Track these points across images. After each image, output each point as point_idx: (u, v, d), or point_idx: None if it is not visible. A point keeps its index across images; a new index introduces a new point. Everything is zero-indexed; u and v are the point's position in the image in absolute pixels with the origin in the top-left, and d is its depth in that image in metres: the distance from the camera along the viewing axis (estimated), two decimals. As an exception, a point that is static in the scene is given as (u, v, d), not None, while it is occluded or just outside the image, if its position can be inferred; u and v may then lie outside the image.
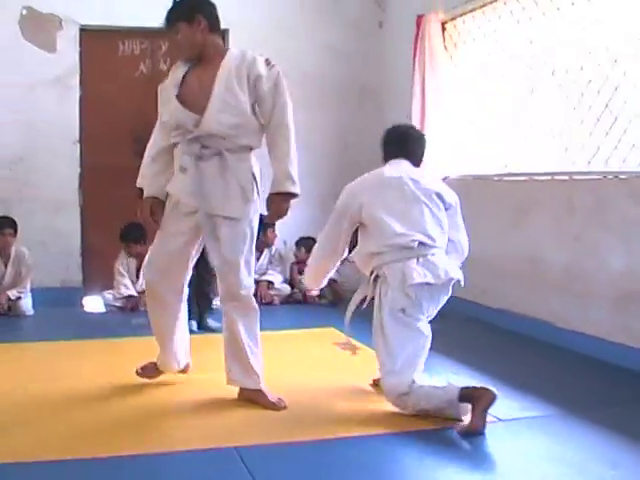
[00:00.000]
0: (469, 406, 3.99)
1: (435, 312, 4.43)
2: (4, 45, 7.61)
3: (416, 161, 4.79)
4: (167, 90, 4.46)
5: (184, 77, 4.43)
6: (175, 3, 4.46)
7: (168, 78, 4.53)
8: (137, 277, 7.48)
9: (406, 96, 7.53)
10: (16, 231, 7.35)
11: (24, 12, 7.77)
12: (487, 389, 3.96)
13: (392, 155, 4.86)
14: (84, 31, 7.88)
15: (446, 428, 3.99)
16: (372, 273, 4.46)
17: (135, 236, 7.36)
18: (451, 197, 4.58)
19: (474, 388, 4.01)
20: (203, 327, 6.55)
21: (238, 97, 4.29)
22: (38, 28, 7.79)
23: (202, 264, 6.39)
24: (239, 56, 4.46)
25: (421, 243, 4.30)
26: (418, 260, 4.27)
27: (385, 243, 4.34)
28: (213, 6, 4.53)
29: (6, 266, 7.31)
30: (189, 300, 6.00)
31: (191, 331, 5.69)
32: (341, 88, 8.47)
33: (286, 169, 4.50)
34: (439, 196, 4.50)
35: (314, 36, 8.37)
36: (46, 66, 7.77)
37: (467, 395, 3.99)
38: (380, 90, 8.53)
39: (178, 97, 4.33)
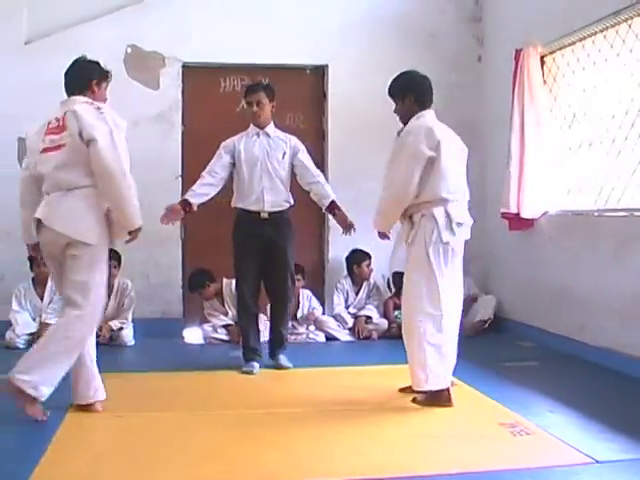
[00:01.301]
0: None
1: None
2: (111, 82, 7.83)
3: None
4: None
5: None
6: None
7: None
8: (225, 314, 7.66)
9: (505, 130, 7.49)
10: (120, 263, 7.53)
11: (129, 50, 8.01)
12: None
13: (429, 103, 5.41)
14: (186, 68, 8.07)
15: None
16: (410, 216, 5.14)
17: (201, 282, 7.58)
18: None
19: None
20: (275, 364, 6.42)
21: None
22: (142, 66, 8.01)
23: (277, 300, 6.52)
24: None
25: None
26: (453, 204, 5.11)
27: (449, 189, 5.07)
28: None
29: (109, 297, 7.47)
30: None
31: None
32: (440, 122, 8.45)
33: None
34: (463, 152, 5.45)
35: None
36: (149, 103, 7.97)
37: None
38: (479, 124, 8.49)
39: None
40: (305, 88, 8.40)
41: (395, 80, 5.41)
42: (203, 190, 6.28)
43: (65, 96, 5.03)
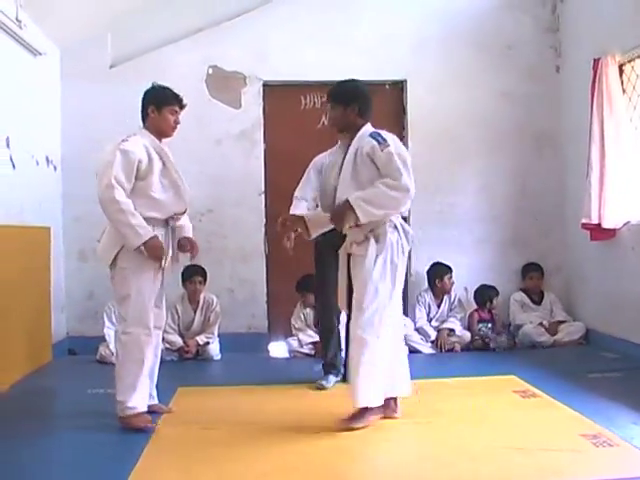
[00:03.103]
0: None
1: None
2: (192, 103, 7.99)
3: None
4: None
5: None
6: None
7: None
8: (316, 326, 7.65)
9: (584, 141, 7.46)
10: (205, 279, 7.70)
11: (210, 71, 8.20)
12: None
13: (370, 116, 5.27)
14: (267, 86, 8.22)
15: None
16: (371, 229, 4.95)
17: (311, 286, 7.54)
18: None
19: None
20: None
21: None
22: (223, 86, 8.19)
23: None
24: None
25: None
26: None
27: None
28: None
29: (195, 312, 7.63)
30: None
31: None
32: (518, 133, 8.47)
33: None
34: None
35: (490, 83, 8.43)
36: (232, 121, 8.15)
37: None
38: (558, 135, 8.47)
39: None
40: (384, 103, 8.44)
41: (340, 86, 5.25)
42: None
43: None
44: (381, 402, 4.91)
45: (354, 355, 4.87)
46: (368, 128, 5.14)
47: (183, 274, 7.59)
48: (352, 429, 4.79)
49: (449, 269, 8.06)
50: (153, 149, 5.05)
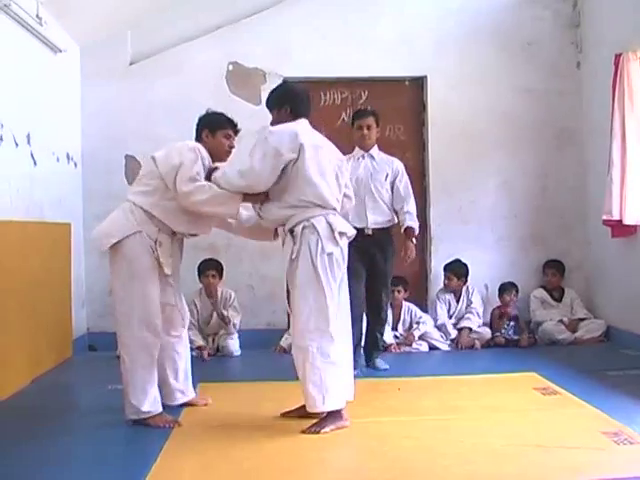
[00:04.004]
0: None
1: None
2: (212, 99, 8.03)
3: None
4: None
5: None
6: None
7: None
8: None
9: (605, 137, 7.42)
10: (221, 273, 7.74)
11: (230, 68, 8.21)
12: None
13: (305, 114, 5.11)
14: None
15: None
16: (290, 227, 4.83)
17: None
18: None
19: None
20: (372, 366, 6.79)
21: None
22: (243, 82, 8.19)
23: (372, 308, 6.71)
24: None
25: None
26: (333, 214, 4.88)
27: (319, 196, 4.82)
28: None
29: (214, 306, 7.63)
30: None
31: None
32: (539, 130, 8.44)
33: None
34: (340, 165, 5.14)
35: (510, 79, 8.40)
36: (252, 118, 8.08)
37: None
38: (579, 131, 8.44)
39: None
40: (404, 100, 8.46)
41: (272, 92, 5.28)
42: None
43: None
44: (340, 405, 4.80)
45: (298, 365, 4.80)
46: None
47: (199, 268, 7.62)
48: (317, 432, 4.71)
49: (463, 266, 8.08)
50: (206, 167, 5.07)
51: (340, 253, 4.87)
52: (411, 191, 6.83)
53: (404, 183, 6.81)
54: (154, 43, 8.22)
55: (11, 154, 6.23)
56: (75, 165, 7.95)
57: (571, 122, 8.45)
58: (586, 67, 8.42)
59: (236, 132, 5.35)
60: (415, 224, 6.74)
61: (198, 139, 5.26)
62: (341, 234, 4.85)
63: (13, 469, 4.17)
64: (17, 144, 6.33)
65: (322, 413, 4.80)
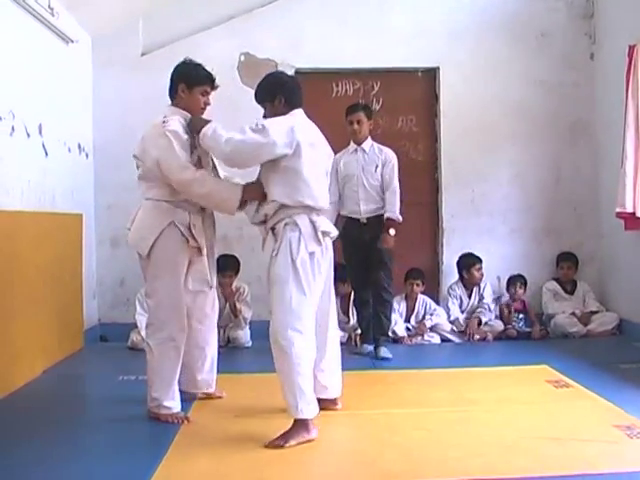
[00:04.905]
0: None
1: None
2: (224, 89, 8.01)
3: None
4: None
5: None
6: None
7: None
8: (344, 314, 7.69)
9: (619, 129, 7.36)
10: (237, 272, 7.72)
11: (242, 58, 8.19)
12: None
13: (299, 103, 4.97)
14: (299, 74, 8.16)
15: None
16: (272, 225, 4.70)
17: (340, 277, 7.43)
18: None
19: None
20: (376, 355, 6.95)
21: None
22: (255, 73, 8.13)
23: (376, 290, 6.81)
24: None
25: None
26: (318, 213, 4.70)
27: (313, 196, 4.65)
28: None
29: (226, 300, 7.62)
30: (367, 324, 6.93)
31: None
32: (552, 121, 8.40)
33: None
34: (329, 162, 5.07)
35: (523, 70, 8.36)
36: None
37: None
38: (592, 123, 8.39)
39: None
40: (417, 91, 8.43)
41: (260, 85, 5.00)
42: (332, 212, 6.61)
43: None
44: (311, 414, 4.53)
45: (276, 366, 4.61)
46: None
47: (217, 264, 7.60)
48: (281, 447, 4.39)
49: (478, 260, 7.99)
50: (186, 128, 4.95)
51: (322, 253, 4.69)
52: (395, 180, 6.99)
53: (388, 171, 6.99)
54: (166, 33, 8.20)
55: (23, 145, 6.23)
56: (87, 156, 7.95)
57: (584, 114, 8.41)
58: (600, 58, 8.37)
59: (213, 88, 5.15)
60: (394, 215, 6.89)
61: (172, 92, 5.11)
62: (324, 233, 4.69)
63: (23, 460, 4.18)
64: (29, 135, 6.33)
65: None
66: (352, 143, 7.08)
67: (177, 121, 4.92)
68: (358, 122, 6.97)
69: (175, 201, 4.90)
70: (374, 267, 6.95)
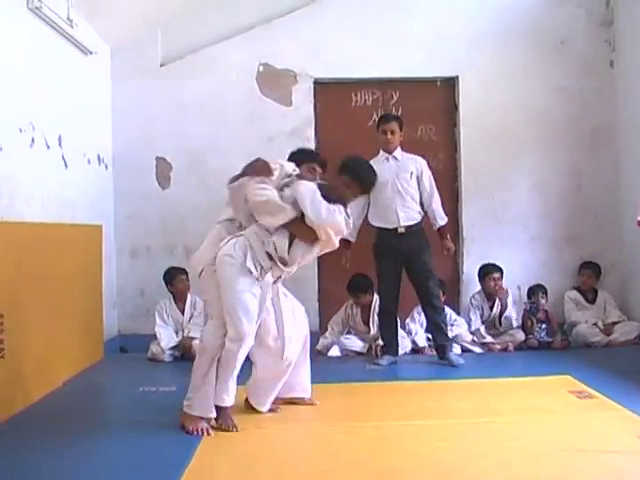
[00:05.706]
0: None
1: None
2: (243, 100, 8.05)
3: None
4: None
5: None
6: None
7: None
8: (365, 325, 7.65)
9: (640, 135, 7.34)
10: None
11: (261, 69, 8.20)
12: None
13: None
14: (318, 84, 8.19)
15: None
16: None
17: (363, 287, 7.53)
18: None
19: None
20: (446, 361, 6.96)
21: None
22: (274, 83, 8.17)
23: (424, 295, 6.81)
24: None
25: None
26: None
27: None
28: None
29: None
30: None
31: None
32: (572, 128, 8.35)
33: None
34: None
35: (543, 78, 8.32)
36: (283, 119, 8.13)
37: None
38: (613, 130, 8.34)
39: None
40: (436, 100, 8.41)
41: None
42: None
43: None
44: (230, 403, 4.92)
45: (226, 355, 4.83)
46: None
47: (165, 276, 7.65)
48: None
49: (498, 269, 7.88)
50: None
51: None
52: (434, 186, 7.08)
53: (428, 178, 7.06)
54: (185, 44, 8.22)
55: (43, 156, 6.25)
56: (106, 167, 7.96)
57: (605, 121, 8.36)
58: (620, 65, 8.33)
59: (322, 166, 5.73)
60: (444, 221, 7.07)
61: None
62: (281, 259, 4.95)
63: (48, 470, 4.18)
64: (49, 146, 6.35)
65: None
66: (382, 152, 7.03)
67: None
68: (392, 132, 6.98)
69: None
70: (419, 276, 6.97)
